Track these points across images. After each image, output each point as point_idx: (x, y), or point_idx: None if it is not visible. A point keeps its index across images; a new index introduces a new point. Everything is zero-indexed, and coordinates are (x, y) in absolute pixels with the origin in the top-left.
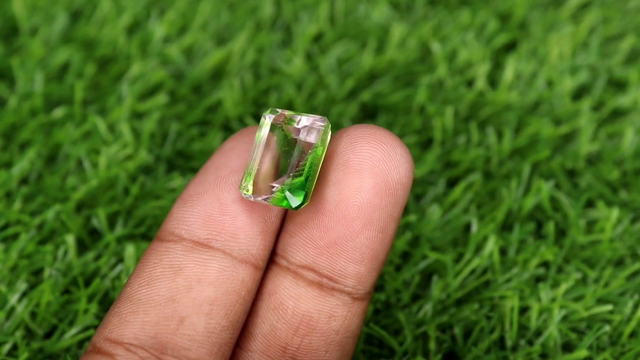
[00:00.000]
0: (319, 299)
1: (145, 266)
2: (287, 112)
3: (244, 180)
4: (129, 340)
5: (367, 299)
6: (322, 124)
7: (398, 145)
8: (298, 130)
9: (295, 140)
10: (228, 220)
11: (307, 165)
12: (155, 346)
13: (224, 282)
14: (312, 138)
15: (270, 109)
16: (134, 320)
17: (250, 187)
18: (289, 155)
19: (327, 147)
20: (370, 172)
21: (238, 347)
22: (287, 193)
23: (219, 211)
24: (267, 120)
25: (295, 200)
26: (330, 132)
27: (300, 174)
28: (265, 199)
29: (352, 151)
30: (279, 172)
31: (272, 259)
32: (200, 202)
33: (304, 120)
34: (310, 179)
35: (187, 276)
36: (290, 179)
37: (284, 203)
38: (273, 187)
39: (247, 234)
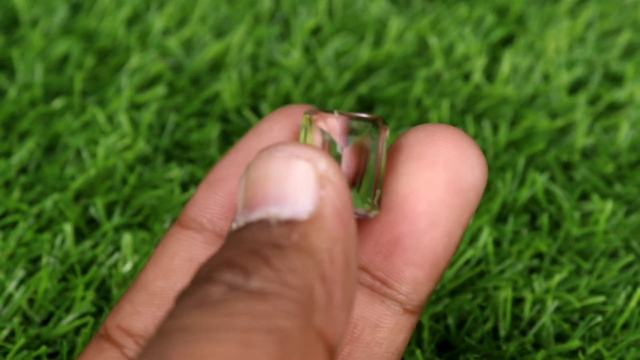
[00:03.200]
0: (367, 305)
1: (164, 255)
2: (334, 114)
3: None
4: (139, 331)
5: (418, 313)
6: (385, 130)
7: (475, 147)
8: (347, 133)
9: (349, 142)
10: None
11: (370, 171)
12: None
13: None
14: (374, 143)
15: (311, 109)
16: (146, 312)
17: None
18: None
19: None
20: (445, 166)
21: None
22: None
23: None
24: (314, 123)
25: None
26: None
27: (364, 181)
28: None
29: (428, 144)
30: None
31: None
32: (225, 189)
33: (359, 123)
34: (381, 187)
35: None
36: (357, 188)
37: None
38: None
39: None
